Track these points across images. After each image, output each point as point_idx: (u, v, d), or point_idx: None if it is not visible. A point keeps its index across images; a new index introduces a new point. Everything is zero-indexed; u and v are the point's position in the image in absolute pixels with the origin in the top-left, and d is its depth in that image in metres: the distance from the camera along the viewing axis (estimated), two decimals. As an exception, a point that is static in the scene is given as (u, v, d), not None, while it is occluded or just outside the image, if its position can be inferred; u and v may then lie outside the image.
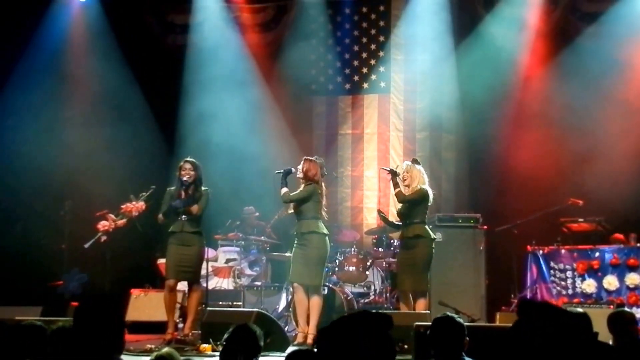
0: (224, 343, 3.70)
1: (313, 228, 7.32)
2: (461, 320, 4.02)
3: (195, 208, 7.35)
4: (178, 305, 7.99)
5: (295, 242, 7.45)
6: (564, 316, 2.34)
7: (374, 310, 8.01)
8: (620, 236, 8.73)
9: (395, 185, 7.55)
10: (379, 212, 8.32)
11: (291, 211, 7.50)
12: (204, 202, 7.41)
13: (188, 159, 7.44)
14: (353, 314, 2.34)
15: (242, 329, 3.73)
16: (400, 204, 7.56)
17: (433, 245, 7.51)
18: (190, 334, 7.41)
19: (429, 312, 7.21)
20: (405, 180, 7.54)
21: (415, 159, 7.81)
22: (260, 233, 9.89)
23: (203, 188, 7.43)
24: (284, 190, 7.41)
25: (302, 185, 7.42)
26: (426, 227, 7.56)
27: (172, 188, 7.45)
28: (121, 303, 2.65)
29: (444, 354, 3.92)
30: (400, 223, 7.68)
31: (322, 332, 2.37)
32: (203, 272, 8.38)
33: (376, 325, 2.23)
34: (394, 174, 7.58)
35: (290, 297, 8.28)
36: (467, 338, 3.95)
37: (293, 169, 7.48)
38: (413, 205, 7.46)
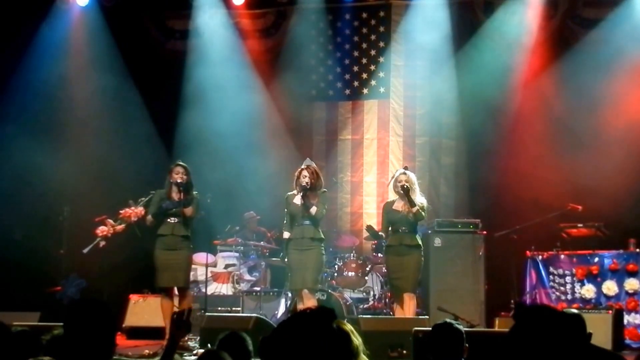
0: None
1: (320, 234, 7.45)
2: (460, 327, 4.01)
3: (189, 210, 7.38)
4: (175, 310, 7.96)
5: (299, 247, 7.40)
6: (558, 317, 2.32)
7: (371, 315, 8.07)
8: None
9: (412, 203, 7.41)
10: (368, 228, 8.21)
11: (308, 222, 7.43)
12: (196, 205, 7.44)
13: (179, 162, 7.48)
14: (290, 317, 2.23)
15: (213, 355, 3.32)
16: (407, 214, 7.47)
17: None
18: (187, 339, 7.39)
19: (427, 317, 7.20)
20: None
21: (406, 167, 7.87)
22: (260, 239, 9.88)
23: (194, 192, 7.45)
24: (315, 209, 7.34)
25: (316, 192, 7.38)
26: None
27: (162, 190, 7.49)
28: (110, 307, 2.58)
29: (443, 360, 3.91)
30: (381, 233, 7.71)
31: (263, 342, 2.22)
32: (202, 277, 8.37)
33: (317, 322, 2.11)
34: (406, 191, 7.43)
35: (289, 302, 8.26)
36: (467, 344, 3.94)
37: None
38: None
